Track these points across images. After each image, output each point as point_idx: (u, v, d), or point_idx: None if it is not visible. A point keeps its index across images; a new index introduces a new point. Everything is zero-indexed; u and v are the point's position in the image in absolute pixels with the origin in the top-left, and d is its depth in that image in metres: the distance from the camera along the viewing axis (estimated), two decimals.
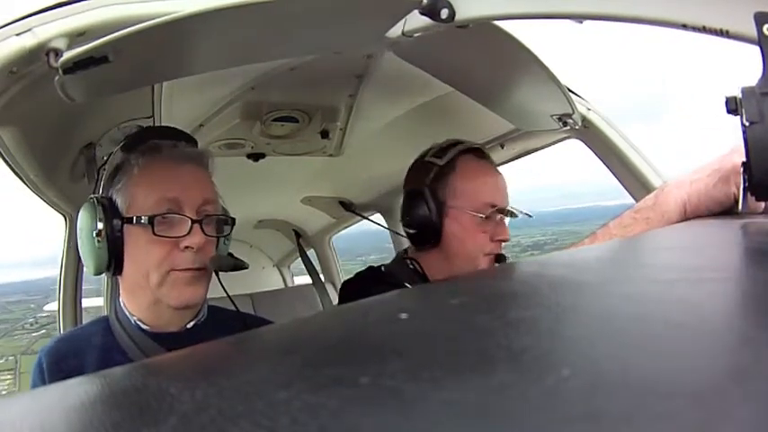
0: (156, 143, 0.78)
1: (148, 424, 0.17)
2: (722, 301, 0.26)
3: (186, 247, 0.73)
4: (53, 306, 1.60)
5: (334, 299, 2.35)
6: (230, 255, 0.80)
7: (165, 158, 0.77)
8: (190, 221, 0.73)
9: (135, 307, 0.77)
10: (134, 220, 0.73)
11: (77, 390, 0.24)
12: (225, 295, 0.85)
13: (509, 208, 1.04)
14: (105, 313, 0.87)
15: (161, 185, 0.74)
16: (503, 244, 1.03)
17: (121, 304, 0.79)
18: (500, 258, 1.02)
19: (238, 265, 0.76)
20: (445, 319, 0.26)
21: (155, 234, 0.72)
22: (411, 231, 1.03)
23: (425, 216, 1.00)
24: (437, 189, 1.01)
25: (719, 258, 0.38)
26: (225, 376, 0.21)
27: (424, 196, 1.00)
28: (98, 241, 0.72)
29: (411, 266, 1.03)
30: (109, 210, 0.73)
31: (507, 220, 1.06)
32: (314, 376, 0.20)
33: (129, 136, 0.82)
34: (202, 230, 0.74)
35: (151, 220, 0.72)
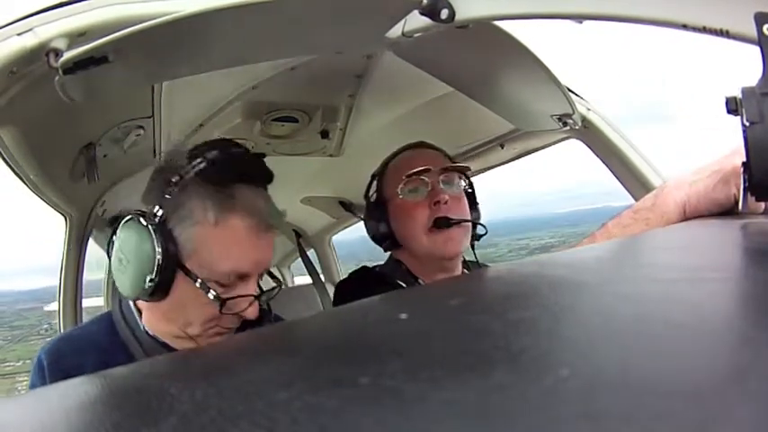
0: (238, 202, 0.69)
1: (148, 424, 0.17)
2: (722, 301, 0.26)
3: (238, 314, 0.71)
4: (53, 306, 1.60)
5: None
6: (277, 316, 0.79)
7: (245, 219, 0.69)
8: (252, 297, 0.71)
9: (153, 325, 0.75)
10: (198, 283, 0.67)
11: (78, 390, 0.24)
12: None
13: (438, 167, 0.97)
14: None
15: (236, 258, 0.69)
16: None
17: (132, 309, 0.77)
18: (441, 223, 0.95)
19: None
20: (445, 319, 0.26)
21: (221, 312, 0.69)
22: (373, 237, 1.05)
23: (375, 220, 1.03)
24: (379, 194, 1.04)
25: (719, 258, 0.38)
26: (225, 376, 0.21)
27: (369, 205, 1.06)
28: (149, 280, 0.67)
29: (404, 267, 1.04)
30: (169, 252, 0.67)
31: (457, 185, 1.00)
32: (314, 376, 0.20)
33: (214, 162, 0.70)
34: (259, 302, 0.72)
35: (222, 301, 0.68)
